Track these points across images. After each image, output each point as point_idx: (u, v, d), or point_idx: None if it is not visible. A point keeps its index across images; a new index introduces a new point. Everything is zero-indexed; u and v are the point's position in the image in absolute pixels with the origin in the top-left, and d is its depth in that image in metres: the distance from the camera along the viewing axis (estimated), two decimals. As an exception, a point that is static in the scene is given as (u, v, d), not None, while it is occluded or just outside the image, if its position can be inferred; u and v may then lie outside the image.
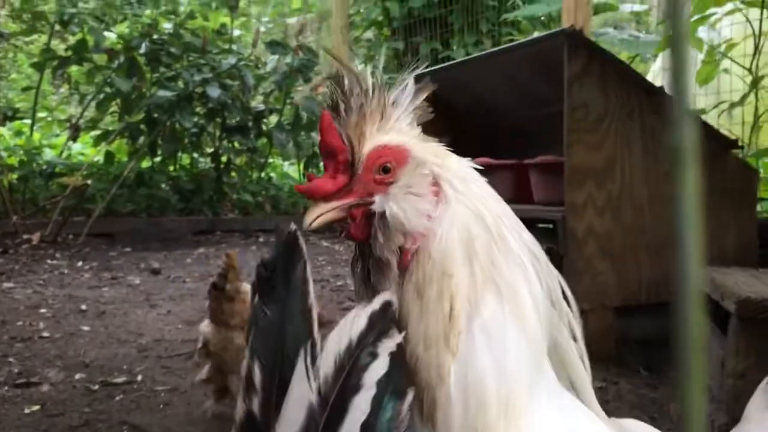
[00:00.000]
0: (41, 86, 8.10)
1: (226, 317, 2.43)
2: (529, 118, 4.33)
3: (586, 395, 0.92)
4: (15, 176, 7.23)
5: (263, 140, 8.30)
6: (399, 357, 0.78)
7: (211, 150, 8.21)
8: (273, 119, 8.20)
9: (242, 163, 8.44)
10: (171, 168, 8.11)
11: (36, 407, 2.70)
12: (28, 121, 8.19)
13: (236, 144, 8.09)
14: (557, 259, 3.44)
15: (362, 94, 0.90)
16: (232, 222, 7.71)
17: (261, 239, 7.15)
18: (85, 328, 3.80)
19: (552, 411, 0.84)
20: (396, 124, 0.91)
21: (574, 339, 0.93)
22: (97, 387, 2.93)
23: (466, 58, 5.35)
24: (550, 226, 3.58)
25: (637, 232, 3.35)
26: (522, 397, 0.82)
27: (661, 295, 3.36)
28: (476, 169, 0.94)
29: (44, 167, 7.39)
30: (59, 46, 8.19)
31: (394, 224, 0.87)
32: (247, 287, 2.52)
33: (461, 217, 0.87)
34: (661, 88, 3.57)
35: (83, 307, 4.23)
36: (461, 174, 0.90)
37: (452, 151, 0.96)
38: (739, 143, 3.70)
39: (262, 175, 8.57)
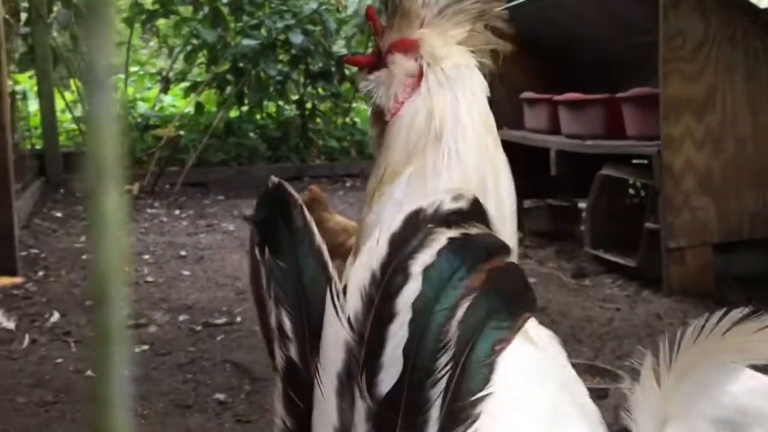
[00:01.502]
0: (132, 41, 8.34)
1: None
2: (621, 49, 4.14)
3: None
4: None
5: (347, 85, 8.31)
6: (455, 259, 0.72)
7: (296, 97, 8.29)
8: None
9: (327, 109, 8.49)
10: (258, 116, 8.26)
11: (145, 346, 2.87)
12: (122, 76, 8.47)
13: (320, 90, 8.13)
14: (652, 195, 3.33)
15: None
16: (319, 168, 7.81)
17: (348, 184, 7.23)
18: (186, 272, 3.98)
19: None
20: (427, 22, 1.10)
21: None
22: (199, 328, 3.08)
23: (553, -11, 5.14)
24: (645, 161, 3.46)
25: (739, 165, 3.20)
26: None
27: (765, 230, 3.21)
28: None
29: (139, 120, 7.66)
30: (146, 0, 8.38)
31: (374, 98, 1.12)
32: (333, 217, 2.74)
33: (418, 109, 1.06)
34: (767, 10, 3.34)
35: (183, 253, 4.41)
36: (444, 79, 1.07)
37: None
38: None
39: (347, 120, 8.61)
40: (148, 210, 5.98)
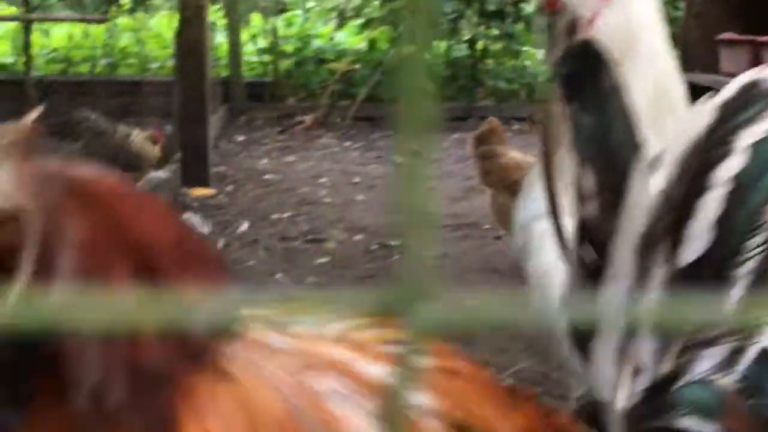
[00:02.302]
0: (310, -24, 8.57)
1: (482, 176, 2.86)
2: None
3: None
4: (290, 62, 7.84)
5: (521, 26, 8.10)
6: None
7: (468, 36, 8.20)
8: (533, 2, 7.93)
9: (498, 50, 8.34)
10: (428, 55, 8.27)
11: (325, 259, 3.03)
12: (299, 12, 8.75)
13: (493, 30, 7.99)
14: None
15: None
16: (487, 109, 7.72)
17: (515, 126, 7.11)
18: (360, 197, 4.13)
19: None
20: None
21: None
22: (375, 247, 3.20)
23: None
24: None
25: None
26: None
27: None
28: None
29: (314, 54, 7.92)
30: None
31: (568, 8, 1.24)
32: (508, 153, 2.78)
33: (612, 21, 1.18)
34: None
35: (356, 179, 4.57)
36: None
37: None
38: None
39: (518, 62, 8.42)
40: (321, 140, 6.22)
